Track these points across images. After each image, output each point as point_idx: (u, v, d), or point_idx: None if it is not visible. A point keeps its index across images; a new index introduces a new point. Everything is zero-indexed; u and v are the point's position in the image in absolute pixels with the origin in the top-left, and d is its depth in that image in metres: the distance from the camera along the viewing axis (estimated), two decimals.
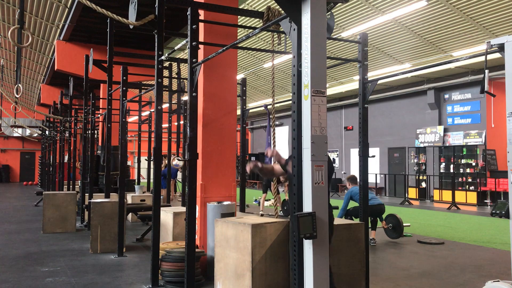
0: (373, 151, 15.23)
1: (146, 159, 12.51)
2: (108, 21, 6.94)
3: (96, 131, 12.51)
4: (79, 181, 10.90)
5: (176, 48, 6.07)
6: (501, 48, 2.94)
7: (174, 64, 10.27)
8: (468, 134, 15.72)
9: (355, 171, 19.42)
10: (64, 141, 14.16)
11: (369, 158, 4.56)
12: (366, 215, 4.53)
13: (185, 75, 7.55)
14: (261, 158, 27.21)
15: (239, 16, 6.86)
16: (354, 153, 19.75)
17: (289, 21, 2.61)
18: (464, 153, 15.45)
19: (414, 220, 10.68)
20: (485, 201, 14.54)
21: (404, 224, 7.49)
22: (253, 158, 27.37)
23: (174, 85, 10.06)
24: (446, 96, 16.67)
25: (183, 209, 5.73)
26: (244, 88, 7.59)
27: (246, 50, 15.37)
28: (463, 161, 15.42)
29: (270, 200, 13.36)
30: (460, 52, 13.45)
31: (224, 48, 3.75)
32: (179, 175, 13.13)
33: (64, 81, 16.07)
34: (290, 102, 2.64)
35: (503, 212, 3.08)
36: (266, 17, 4.78)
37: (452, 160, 15.60)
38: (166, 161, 10.54)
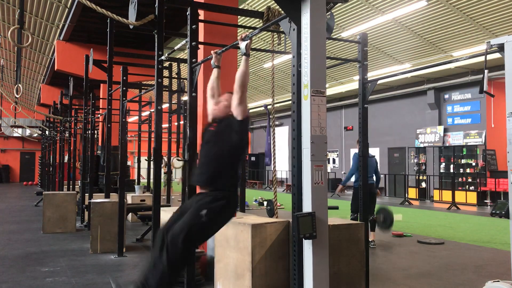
0: (373, 151, 15.25)
1: (146, 159, 12.50)
2: (108, 21, 6.94)
3: (96, 131, 12.50)
4: (79, 181, 10.90)
5: (176, 48, 6.06)
6: (501, 48, 2.94)
7: (174, 64, 10.27)
8: (468, 134, 15.73)
9: None
10: (64, 141, 14.16)
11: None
12: (366, 215, 4.54)
13: (185, 75, 7.55)
14: (261, 158, 27.21)
15: (239, 16, 6.85)
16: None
17: (289, 21, 2.61)
18: (464, 153, 15.46)
19: (414, 220, 10.68)
20: (485, 201, 14.54)
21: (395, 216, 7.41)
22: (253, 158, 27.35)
23: (174, 85, 10.05)
24: (446, 96, 16.68)
25: None
26: None
27: None
28: (463, 161, 15.42)
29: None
30: (460, 52, 13.45)
31: (224, 48, 3.75)
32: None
33: (64, 81, 16.08)
34: (290, 102, 2.64)
35: (503, 212, 3.08)
36: (266, 17, 4.78)
37: (452, 160, 15.60)
38: (165, 159, 10.54)
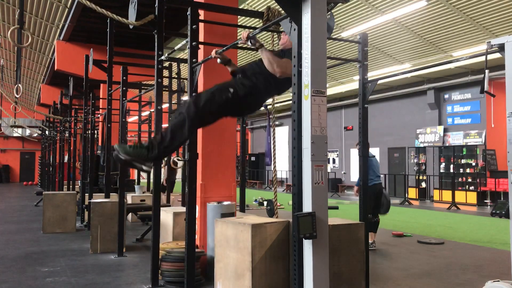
0: (373, 151, 15.21)
1: None
2: (108, 21, 6.94)
3: (96, 131, 12.50)
4: (79, 181, 10.89)
5: (176, 48, 6.09)
6: (501, 48, 2.94)
7: (174, 64, 10.27)
8: (468, 134, 15.73)
9: (355, 171, 19.44)
10: (64, 141, 14.15)
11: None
12: (366, 214, 4.54)
13: (185, 75, 7.56)
14: (261, 158, 27.20)
15: (239, 16, 6.86)
16: (354, 153, 19.75)
17: (290, 21, 2.61)
18: (464, 153, 15.46)
19: (414, 220, 10.69)
20: (485, 201, 14.54)
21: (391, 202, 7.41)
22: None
23: (174, 85, 10.04)
24: (446, 96, 16.68)
25: (183, 209, 5.73)
26: None
27: (246, 50, 15.36)
28: (463, 161, 15.42)
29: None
30: (460, 52, 13.45)
31: (225, 48, 3.75)
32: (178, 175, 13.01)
33: (64, 81, 16.08)
34: (290, 102, 2.64)
35: (503, 212, 3.08)
36: (266, 17, 4.76)
37: (452, 160, 15.60)
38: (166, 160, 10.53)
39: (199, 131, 5.18)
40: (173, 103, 10.11)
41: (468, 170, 15.28)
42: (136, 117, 14.84)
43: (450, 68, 14.42)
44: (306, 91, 2.48)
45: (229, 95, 3.20)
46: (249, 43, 3.25)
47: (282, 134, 23.23)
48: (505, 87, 2.90)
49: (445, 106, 16.73)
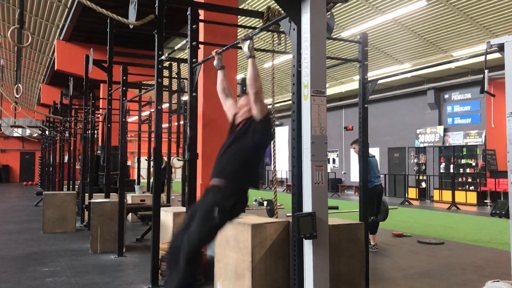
0: (373, 151, 15.20)
1: (146, 159, 12.50)
2: (108, 21, 6.93)
3: (96, 131, 12.50)
4: (79, 181, 10.89)
5: (176, 48, 6.09)
6: (501, 48, 2.94)
7: (174, 64, 10.27)
8: (468, 134, 15.72)
9: (355, 171, 19.44)
10: (64, 141, 14.16)
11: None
12: (366, 214, 4.54)
13: (185, 75, 7.56)
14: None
15: (239, 16, 6.86)
16: (354, 153, 19.74)
17: (289, 20, 2.61)
18: (464, 153, 15.45)
19: (414, 220, 10.68)
20: (485, 201, 14.54)
21: (390, 207, 7.40)
22: None
23: (174, 85, 10.04)
24: (446, 96, 16.68)
25: (183, 209, 5.73)
26: (244, 88, 7.59)
27: None
28: (463, 161, 15.42)
29: None
30: (460, 52, 13.45)
31: (224, 48, 3.75)
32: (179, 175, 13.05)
33: (64, 81, 16.09)
34: (290, 102, 2.65)
35: (503, 212, 3.08)
36: (266, 17, 4.78)
37: (452, 160, 15.60)
38: (166, 159, 10.53)
39: (199, 131, 5.19)
40: (173, 103, 10.11)
41: (468, 170, 15.27)
42: (136, 117, 14.85)
43: (450, 68, 14.42)
44: (306, 91, 2.48)
45: (216, 220, 2.97)
46: (245, 48, 3.10)
47: (282, 134, 23.22)
48: (505, 87, 2.90)
49: (445, 106, 16.73)
